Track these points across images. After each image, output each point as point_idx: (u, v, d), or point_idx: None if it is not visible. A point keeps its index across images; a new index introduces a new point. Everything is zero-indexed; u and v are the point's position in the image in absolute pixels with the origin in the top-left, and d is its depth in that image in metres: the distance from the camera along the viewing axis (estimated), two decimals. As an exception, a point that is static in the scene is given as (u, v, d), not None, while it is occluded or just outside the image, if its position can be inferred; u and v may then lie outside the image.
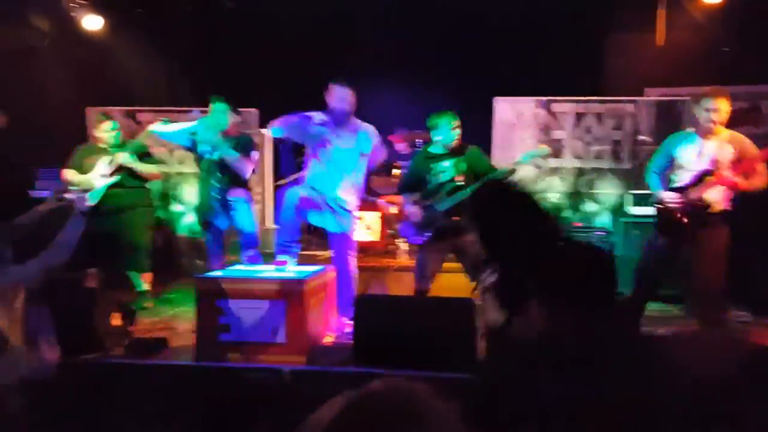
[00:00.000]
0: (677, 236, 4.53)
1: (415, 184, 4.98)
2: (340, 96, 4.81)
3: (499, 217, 2.20)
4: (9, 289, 3.35)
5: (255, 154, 5.26)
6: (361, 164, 4.98)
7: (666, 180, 4.67)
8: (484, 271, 2.20)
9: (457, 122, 4.82)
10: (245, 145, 5.16)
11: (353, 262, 5.05)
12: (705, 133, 4.47)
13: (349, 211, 4.98)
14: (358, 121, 4.99)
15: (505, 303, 2.01)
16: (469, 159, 4.83)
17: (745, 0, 6.50)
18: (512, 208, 2.19)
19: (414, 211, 4.87)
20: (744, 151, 4.42)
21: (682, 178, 4.56)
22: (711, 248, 4.41)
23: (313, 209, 4.95)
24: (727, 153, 4.42)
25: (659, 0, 6.92)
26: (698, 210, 4.47)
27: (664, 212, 4.58)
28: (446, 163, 4.82)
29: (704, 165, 4.46)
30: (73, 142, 6.00)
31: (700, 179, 4.47)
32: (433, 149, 4.92)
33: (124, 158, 5.52)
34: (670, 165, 4.64)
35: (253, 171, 5.40)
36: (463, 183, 4.76)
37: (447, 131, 4.81)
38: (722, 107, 4.38)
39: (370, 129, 5.00)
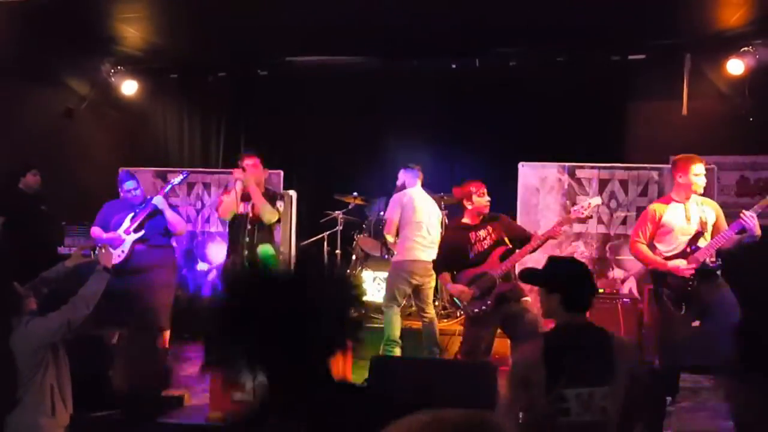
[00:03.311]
0: (690, 302, 4.58)
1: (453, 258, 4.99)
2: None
3: None
4: None
5: (280, 204, 5.59)
6: None
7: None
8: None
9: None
10: (272, 200, 5.50)
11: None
12: (686, 197, 4.71)
13: None
14: None
15: None
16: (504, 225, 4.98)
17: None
18: None
19: (461, 290, 4.79)
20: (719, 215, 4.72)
21: (672, 243, 4.69)
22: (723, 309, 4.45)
23: None
24: (710, 215, 4.69)
25: (684, 70, 6.98)
26: (705, 271, 4.58)
27: (676, 280, 4.63)
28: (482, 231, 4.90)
29: (694, 228, 4.64)
30: (107, 201, 6.14)
31: (695, 241, 4.62)
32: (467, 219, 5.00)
33: (157, 200, 5.64)
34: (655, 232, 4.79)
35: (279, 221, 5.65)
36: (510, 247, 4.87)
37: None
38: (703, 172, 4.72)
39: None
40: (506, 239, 4.87)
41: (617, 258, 6.94)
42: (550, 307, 2.79)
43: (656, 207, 4.89)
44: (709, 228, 4.69)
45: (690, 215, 4.70)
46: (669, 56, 7.02)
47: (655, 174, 6.90)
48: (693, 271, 4.56)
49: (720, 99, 7.10)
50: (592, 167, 6.99)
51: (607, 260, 6.96)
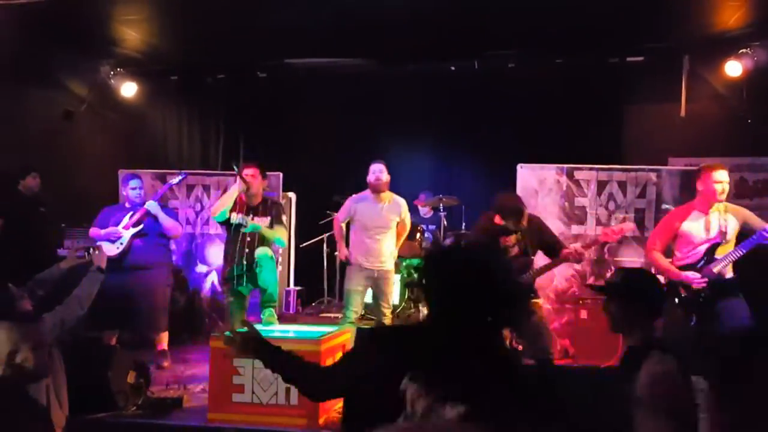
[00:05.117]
0: (699, 312, 4.52)
1: None
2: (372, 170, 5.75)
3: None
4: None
5: (285, 219, 5.50)
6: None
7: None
8: None
9: None
10: (276, 215, 5.37)
11: None
12: (708, 206, 4.59)
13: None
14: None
15: None
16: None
17: (766, 72, 6.53)
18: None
19: None
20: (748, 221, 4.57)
21: (689, 252, 4.61)
22: (735, 317, 4.38)
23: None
24: (732, 223, 4.57)
25: (682, 72, 6.99)
26: (718, 283, 4.50)
27: (688, 291, 4.59)
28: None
29: (712, 238, 4.55)
30: (106, 203, 6.18)
31: (711, 252, 4.53)
32: None
33: (150, 204, 5.67)
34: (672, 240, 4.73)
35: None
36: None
37: None
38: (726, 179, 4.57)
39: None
40: (530, 248, 4.78)
41: (615, 259, 6.93)
42: (631, 317, 2.74)
43: (675, 215, 4.81)
44: (731, 237, 4.57)
45: (711, 226, 4.60)
46: (667, 58, 7.03)
47: (653, 175, 6.90)
48: (704, 284, 4.49)
49: (718, 101, 7.11)
50: (591, 169, 6.99)
51: (606, 261, 6.95)
